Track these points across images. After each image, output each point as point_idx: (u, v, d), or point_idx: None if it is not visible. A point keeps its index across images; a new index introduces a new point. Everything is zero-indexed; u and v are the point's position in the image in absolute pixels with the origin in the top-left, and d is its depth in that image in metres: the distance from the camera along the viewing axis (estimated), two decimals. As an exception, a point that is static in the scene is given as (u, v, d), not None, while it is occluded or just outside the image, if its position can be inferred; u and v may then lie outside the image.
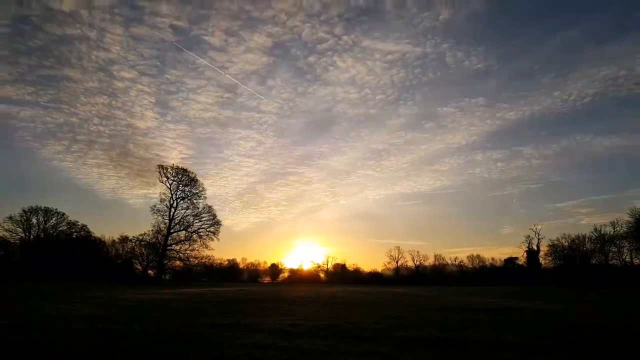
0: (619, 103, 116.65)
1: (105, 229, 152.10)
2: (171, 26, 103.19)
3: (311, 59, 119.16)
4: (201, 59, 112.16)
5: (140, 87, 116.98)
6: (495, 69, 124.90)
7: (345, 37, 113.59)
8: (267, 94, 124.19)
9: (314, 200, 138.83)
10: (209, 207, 62.78)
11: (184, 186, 60.71)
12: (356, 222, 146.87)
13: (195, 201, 61.51)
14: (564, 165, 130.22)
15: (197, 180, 61.95)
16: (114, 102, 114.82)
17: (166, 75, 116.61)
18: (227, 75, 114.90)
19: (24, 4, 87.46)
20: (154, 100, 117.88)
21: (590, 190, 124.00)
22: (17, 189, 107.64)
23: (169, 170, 60.29)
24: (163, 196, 60.06)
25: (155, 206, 60.24)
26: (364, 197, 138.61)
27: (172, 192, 60.10)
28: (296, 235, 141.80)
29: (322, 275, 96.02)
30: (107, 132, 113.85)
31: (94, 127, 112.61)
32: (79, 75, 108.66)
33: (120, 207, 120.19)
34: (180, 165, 62.75)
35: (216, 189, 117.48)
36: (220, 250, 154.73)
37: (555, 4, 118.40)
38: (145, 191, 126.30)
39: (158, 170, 60.03)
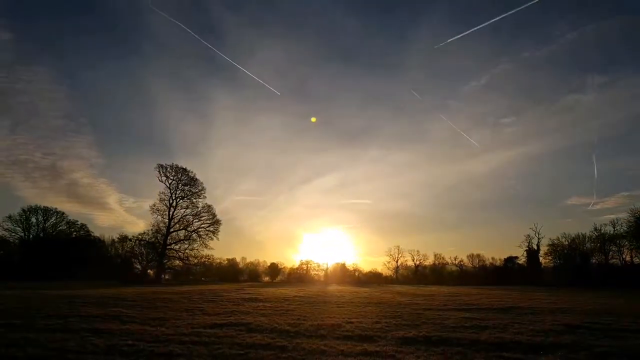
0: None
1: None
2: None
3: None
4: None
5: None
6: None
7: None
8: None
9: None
10: (209, 206, 62.54)
11: (184, 185, 60.52)
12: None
13: (194, 200, 61.29)
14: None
15: (196, 179, 61.66)
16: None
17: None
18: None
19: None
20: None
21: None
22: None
23: (168, 169, 60.11)
24: (162, 195, 59.97)
25: (154, 205, 60.18)
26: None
27: (172, 192, 59.94)
28: (297, 235, 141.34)
29: (322, 275, 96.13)
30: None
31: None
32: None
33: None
34: (180, 165, 62.60)
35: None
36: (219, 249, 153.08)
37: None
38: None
39: (157, 169, 59.89)
